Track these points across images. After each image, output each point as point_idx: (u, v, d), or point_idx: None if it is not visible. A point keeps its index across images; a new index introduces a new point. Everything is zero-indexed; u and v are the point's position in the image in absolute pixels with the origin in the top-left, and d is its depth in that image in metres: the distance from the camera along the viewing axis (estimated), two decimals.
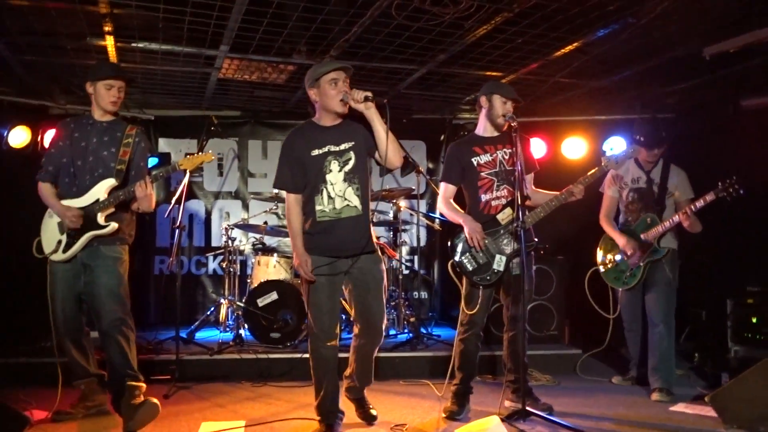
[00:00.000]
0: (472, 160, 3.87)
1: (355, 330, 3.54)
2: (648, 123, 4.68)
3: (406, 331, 5.68)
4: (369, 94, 3.20)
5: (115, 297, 3.59)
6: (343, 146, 3.35)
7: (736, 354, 4.90)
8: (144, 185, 3.55)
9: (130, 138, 3.72)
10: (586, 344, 5.11)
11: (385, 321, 3.54)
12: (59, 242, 3.61)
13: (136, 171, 3.72)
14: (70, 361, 3.73)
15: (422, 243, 6.79)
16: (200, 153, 3.72)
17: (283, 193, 3.50)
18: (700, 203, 4.25)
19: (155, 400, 3.49)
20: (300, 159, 3.36)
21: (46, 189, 3.68)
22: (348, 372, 3.69)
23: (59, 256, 3.60)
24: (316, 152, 3.35)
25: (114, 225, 3.59)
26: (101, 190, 3.60)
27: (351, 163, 3.34)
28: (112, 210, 3.62)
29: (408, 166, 6.83)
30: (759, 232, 5.34)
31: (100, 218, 3.58)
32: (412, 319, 5.66)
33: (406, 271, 6.26)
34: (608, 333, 4.53)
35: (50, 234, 3.66)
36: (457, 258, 3.78)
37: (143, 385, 3.60)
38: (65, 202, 3.62)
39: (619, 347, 5.54)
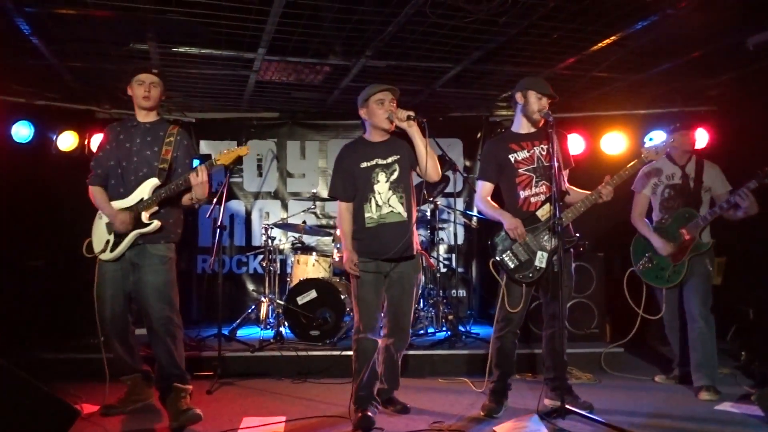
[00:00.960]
0: (510, 156, 3.85)
1: (384, 330, 3.78)
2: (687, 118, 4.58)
3: (444, 329, 5.68)
4: (411, 113, 3.56)
5: (163, 296, 3.70)
6: (389, 159, 3.70)
7: None
8: (198, 172, 3.65)
9: (172, 137, 3.82)
10: (627, 342, 5.02)
11: (411, 323, 3.85)
12: (107, 242, 3.74)
13: (182, 168, 3.82)
14: (116, 358, 3.84)
15: (460, 241, 6.78)
16: (232, 149, 3.80)
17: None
18: (743, 191, 4.18)
19: (199, 411, 3.57)
20: (350, 171, 3.73)
21: (97, 192, 3.80)
22: (379, 374, 3.81)
23: (107, 256, 3.72)
24: (364, 164, 3.70)
25: (157, 223, 3.69)
26: (145, 189, 3.71)
27: (396, 174, 3.68)
28: (155, 208, 3.72)
29: (444, 164, 6.82)
30: None
31: (144, 216, 3.69)
32: (450, 317, 5.66)
33: (444, 270, 6.25)
34: (635, 328, 4.40)
35: (100, 234, 3.79)
36: (497, 256, 3.77)
37: (189, 387, 3.72)
38: (113, 204, 3.74)
39: (658, 345, 5.46)
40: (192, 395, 3.75)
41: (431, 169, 3.61)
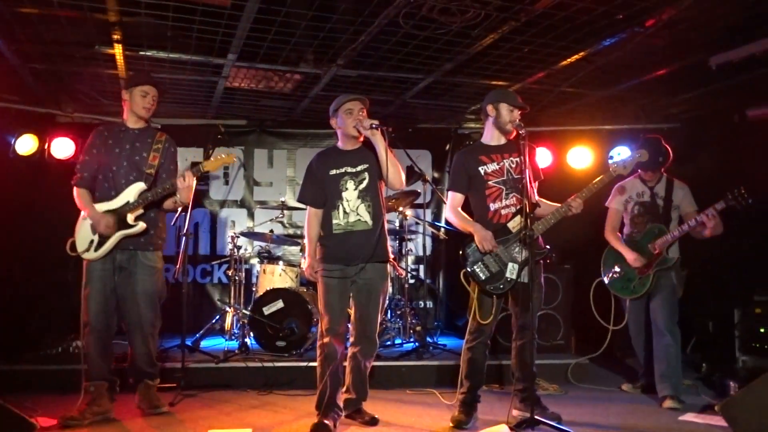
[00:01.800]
0: (479, 169, 3.86)
1: (351, 338, 3.84)
2: (652, 143, 4.68)
3: (412, 340, 5.66)
4: (375, 122, 3.66)
5: (152, 303, 3.94)
6: (359, 168, 3.77)
7: (744, 364, 4.87)
8: (185, 177, 3.83)
9: (160, 143, 4.00)
10: (592, 354, 5.07)
11: (377, 330, 3.83)
12: (91, 242, 3.82)
13: (167, 174, 4.00)
14: (90, 360, 3.81)
15: (427, 252, 6.78)
16: (221, 156, 4.03)
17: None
18: (710, 212, 4.31)
19: (167, 410, 3.99)
20: (320, 177, 3.81)
21: (83, 195, 3.90)
22: (345, 385, 3.85)
23: (91, 255, 3.82)
24: (334, 172, 3.78)
25: (142, 225, 3.85)
26: (132, 193, 3.87)
27: (365, 182, 3.75)
28: (140, 211, 3.87)
29: (413, 175, 6.84)
30: (766, 241, 5.33)
31: (130, 218, 3.84)
32: (418, 328, 5.64)
33: (411, 281, 6.24)
34: (606, 341, 4.48)
35: (84, 234, 3.86)
36: (469, 267, 3.76)
37: (157, 380, 4.07)
38: (101, 205, 3.86)
39: (624, 356, 5.54)
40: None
41: (393, 177, 3.68)
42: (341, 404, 3.73)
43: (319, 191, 3.79)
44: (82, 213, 3.89)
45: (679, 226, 4.51)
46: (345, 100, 3.79)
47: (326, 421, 3.50)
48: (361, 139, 3.82)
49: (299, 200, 3.96)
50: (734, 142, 5.71)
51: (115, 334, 3.99)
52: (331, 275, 3.68)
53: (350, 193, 3.74)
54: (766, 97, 5.49)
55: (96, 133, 4.02)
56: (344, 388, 3.84)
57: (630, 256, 4.55)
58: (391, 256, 3.91)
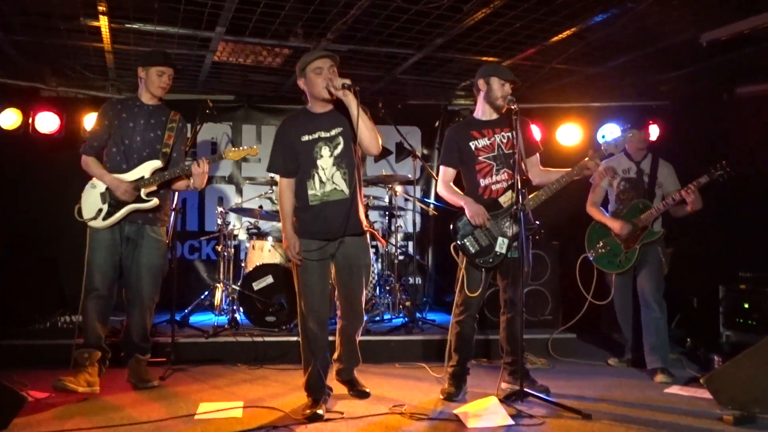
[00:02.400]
0: (470, 144, 3.85)
1: (338, 312, 3.74)
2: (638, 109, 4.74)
3: (401, 315, 5.69)
4: (347, 81, 3.31)
5: (154, 277, 4.00)
6: (333, 132, 3.49)
7: (727, 339, 4.97)
8: (200, 163, 3.90)
9: (174, 123, 4.04)
10: (578, 328, 5.13)
11: (364, 303, 3.74)
12: (99, 210, 3.87)
13: (178, 154, 4.09)
14: (89, 327, 3.86)
15: (417, 228, 6.80)
16: (244, 147, 4.10)
17: (278, 178, 3.63)
18: (694, 185, 4.37)
19: (157, 383, 4.03)
20: (291, 145, 3.51)
21: (93, 162, 3.95)
22: (336, 355, 3.85)
23: (98, 224, 3.86)
24: (306, 138, 3.49)
25: (156, 201, 3.92)
26: (146, 169, 3.92)
27: (340, 147, 3.48)
28: (154, 188, 3.93)
29: (403, 151, 6.84)
30: (751, 218, 5.40)
31: (143, 193, 3.89)
32: (407, 304, 5.68)
33: (401, 257, 6.26)
34: (581, 312, 4.50)
35: (91, 202, 3.89)
36: (459, 241, 3.78)
37: (148, 355, 4.10)
38: (116, 176, 3.91)
39: (610, 331, 5.61)
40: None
41: (367, 140, 3.37)
42: (331, 385, 3.68)
43: (291, 159, 3.50)
44: (91, 181, 3.92)
45: (662, 201, 4.57)
46: (312, 58, 3.42)
47: (318, 411, 3.31)
48: (332, 99, 3.47)
49: (269, 170, 3.69)
50: (723, 120, 5.75)
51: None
52: (309, 256, 3.45)
53: (325, 161, 3.44)
54: (755, 75, 5.53)
55: (109, 104, 4.06)
56: (335, 356, 3.83)
57: (615, 224, 4.60)
58: (372, 226, 3.83)
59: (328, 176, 3.46)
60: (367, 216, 5.79)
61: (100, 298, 3.87)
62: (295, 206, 3.54)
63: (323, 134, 3.48)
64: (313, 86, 3.44)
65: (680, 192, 4.44)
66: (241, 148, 4.08)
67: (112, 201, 3.87)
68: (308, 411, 3.32)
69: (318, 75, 3.40)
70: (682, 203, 4.50)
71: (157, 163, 3.94)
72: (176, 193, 4.68)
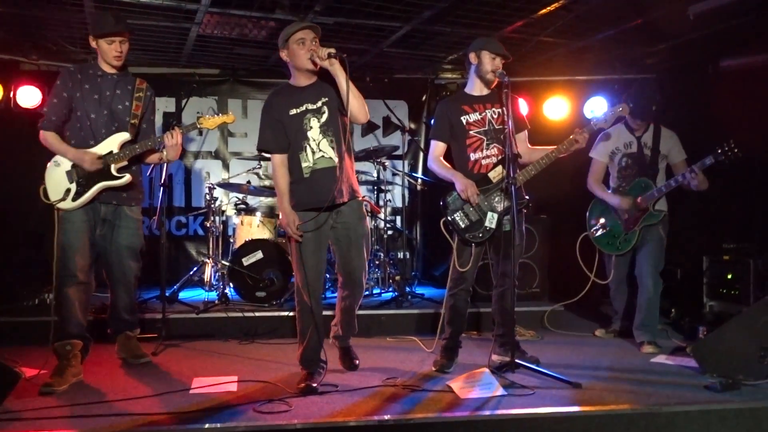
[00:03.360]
0: (461, 118, 3.85)
1: (339, 282, 3.76)
2: (637, 89, 4.65)
3: (390, 289, 5.73)
4: (332, 50, 3.29)
5: (135, 256, 3.88)
6: (319, 103, 3.49)
7: (711, 309, 5.06)
8: (173, 134, 3.69)
9: (141, 92, 3.79)
10: (568, 301, 5.19)
11: (366, 275, 3.76)
12: (68, 191, 3.59)
13: (147, 125, 3.87)
14: (70, 316, 3.59)
15: (405, 203, 6.82)
16: (220, 114, 3.89)
17: (265, 153, 3.66)
18: (698, 167, 4.27)
19: (150, 359, 4.01)
20: (279, 119, 3.51)
21: (53, 137, 3.64)
22: (334, 321, 3.93)
23: (68, 205, 3.59)
24: (294, 111, 3.49)
25: (128, 177, 3.68)
26: (114, 143, 3.66)
27: (325, 116, 3.48)
28: (125, 163, 3.70)
29: (390, 125, 6.82)
30: (734, 190, 5.46)
31: (113, 169, 3.65)
32: (397, 278, 5.71)
33: (389, 232, 6.28)
34: (584, 290, 4.49)
35: (57, 182, 3.61)
36: (449, 216, 3.79)
37: (137, 330, 4.06)
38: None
39: (598, 304, 5.69)
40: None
41: (356, 109, 3.35)
42: (325, 357, 3.65)
43: (281, 135, 3.50)
44: (54, 159, 3.63)
45: (667, 180, 4.48)
46: (294, 30, 3.39)
47: (313, 384, 3.36)
48: (317, 70, 3.47)
49: (260, 148, 3.65)
50: (708, 93, 5.78)
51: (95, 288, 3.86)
52: (303, 228, 3.45)
53: (315, 132, 3.46)
54: (740, 49, 5.56)
55: (67, 74, 3.70)
56: (333, 321, 3.92)
57: (615, 200, 4.56)
58: (365, 197, 3.82)
59: (315, 146, 3.48)
60: None
61: (80, 284, 3.61)
62: (291, 180, 3.53)
63: (310, 106, 3.48)
64: (296, 58, 3.42)
65: (683, 174, 4.34)
66: (217, 115, 3.86)
67: (81, 179, 3.59)
68: (303, 384, 3.36)
69: (301, 46, 3.38)
70: (686, 184, 4.38)
71: (125, 136, 3.67)
72: (164, 168, 4.63)
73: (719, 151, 4.20)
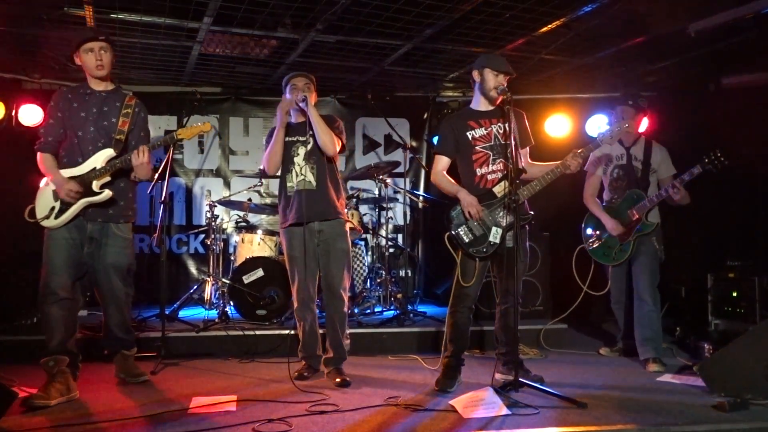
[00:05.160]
0: (467, 133, 3.84)
1: (324, 295, 4.13)
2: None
3: (392, 307, 5.68)
4: (300, 98, 3.95)
5: (124, 276, 3.79)
6: (306, 136, 4.06)
7: (716, 327, 5.01)
8: (139, 153, 3.60)
9: (130, 108, 3.76)
10: (569, 319, 5.15)
11: (345, 290, 4.10)
12: (52, 209, 3.61)
13: (137, 141, 3.78)
14: (50, 332, 3.55)
15: (407, 221, 6.79)
16: (196, 123, 3.86)
17: None
18: (687, 176, 4.33)
19: (148, 378, 3.97)
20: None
21: (47, 159, 3.70)
22: (327, 342, 4.12)
23: (51, 223, 3.60)
24: (288, 139, 4.11)
25: (108, 192, 3.63)
26: (99, 159, 3.65)
27: (310, 146, 4.07)
28: (107, 179, 3.67)
29: (392, 143, 6.82)
30: (737, 207, 5.44)
31: (95, 185, 3.62)
32: (399, 296, 5.66)
33: (391, 249, 6.25)
34: (576, 302, 4.52)
35: (45, 201, 3.64)
36: (453, 230, 3.76)
37: (134, 349, 3.99)
38: (67, 171, 3.65)
39: (600, 322, 5.64)
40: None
41: (323, 143, 3.95)
42: (320, 353, 4.15)
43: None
44: (45, 179, 3.68)
45: (657, 191, 4.53)
46: (290, 77, 4.12)
47: (305, 373, 4.03)
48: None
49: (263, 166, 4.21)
50: (709, 111, 5.78)
51: (81, 306, 3.84)
52: (292, 245, 4.05)
53: (300, 159, 4.06)
54: (741, 66, 5.57)
55: (59, 94, 3.76)
56: (326, 344, 4.12)
57: (609, 224, 4.58)
58: (341, 213, 4.11)
59: (301, 171, 4.07)
60: (357, 208, 5.81)
61: (62, 301, 3.55)
62: (279, 197, 4.18)
63: (300, 138, 4.09)
64: (285, 101, 4.09)
65: (665, 187, 4.41)
66: (193, 125, 3.83)
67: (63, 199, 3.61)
68: (296, 373, 3.98)
69: (292, 91, 4.06)
70: (669, 197, 4.45)
71: (110, 152, 3.64)
72: (164, 185, 4.62)
73: (706, 160, 4.24)
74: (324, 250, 4.05)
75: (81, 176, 3.63)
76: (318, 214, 4.00)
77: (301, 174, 4.05)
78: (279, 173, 4.16)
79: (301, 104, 3.95)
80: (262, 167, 4.24)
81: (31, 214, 3.65)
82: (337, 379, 3.88)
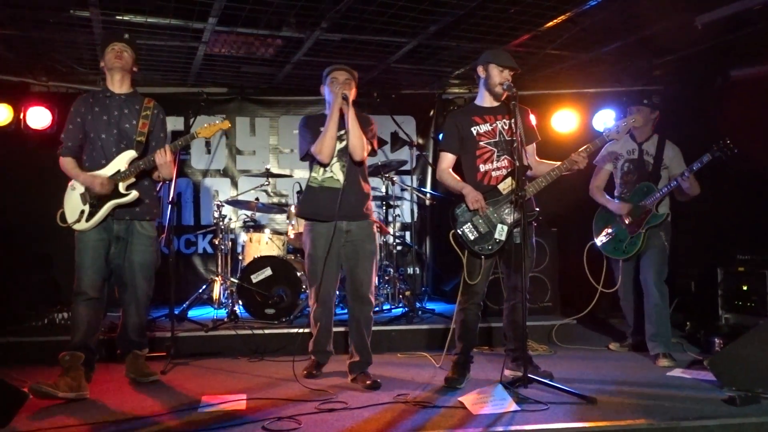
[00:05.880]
0: (472, 129, 3.84)
1: (349, 298, 3.98)
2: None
3: (400, 305, 5.68)
4: (345, 92, 3.77)
5: (147, 275, 3.91)
6: (341, 132, 3.87)
7: (727, 321, 4.99)
8: (163, 153, 3.74)
9: (149, 110, 3.88)
10: (579, 314, 5.13)
11: (372, 293, 3.98)
12: (82, 212, 3.73)
13: (157, 142, 3.92)
14: (74, 329, 3.71)
15: (414, 218, 6.80)
16: (216, 122, 3.98)
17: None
18: (697, 165, 4.37)
19: (158, 377, 3.99)
20: (313, 134, 3.94)
21: (68, 163, 3.81)
22: (350, 348, 3.98)
23: (82, 226, 3.73)
24: (321, 129, 3.88)
25: (135, 193, 3.77)
26: (122, 161, 3.77)
27: (344, 143, 3.86)
28: (132, 180, 3.80)
29: (398, 141, 6.81)
30: (747, 201, 5.41)
31: (121, 187, 3.76)
32: (407, 293, 5.66)
33: (399, 247, 6.24)
34: (593, 302, 4.47)
35: (73, 205, 3.77)
36: (458, 228, 3.76)
37: (146, 350, 4.06)
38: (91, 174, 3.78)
39: (608, 317, 5.62)
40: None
41: (352, 147, 3.80)
42: (345, 379, 3.93)
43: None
44: (70, 183, 3.80)
45: (667, 183, 4.56)
46: (332, 69, 3.92)
47: (313, 371, 4.00)
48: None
49: (301, 158, 4.06)
50: (717, 105, 5.74)
51: (106, 307, 3.91)
52: (316, 241, 3.87)
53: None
54: (749, 58, 5.53)
55: (80, 100, 3.89)
56: (349, 353, 3.98)
57: (614, 206, 4.62)
58: (374, 216, 3.99)
59: (331, 167, 3.88)
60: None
61: (89, 300, 3.70)
62: (307, 186, 4.05)
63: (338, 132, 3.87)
64: (326, 93, 3.95)
65: (676, 178, 4.44)
66: (213, 123, 3.94)
67: (93, 201, 3.73)
68: (305, 372, 3.97)
69: (332, 84, 3.89)
70: (680, 189, 4.50)
71: (132, 154, 3.78)
72: (172, 185, 4.63)
73: (715, 147, 4.31)
74: (351, 251, 3.89)
75: (107, 177, 3.75)
76: (347, 214, 3.82)
77: (331, 171, 3.90)
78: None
79: (342, 104, 3.79)
80: (312, 152, 3.88)
81: (62, 219, 3.78)
82: (368, 382, 3.77)
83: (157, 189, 4.11)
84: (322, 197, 3.87)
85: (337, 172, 3.88)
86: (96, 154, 3.79)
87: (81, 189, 3.76)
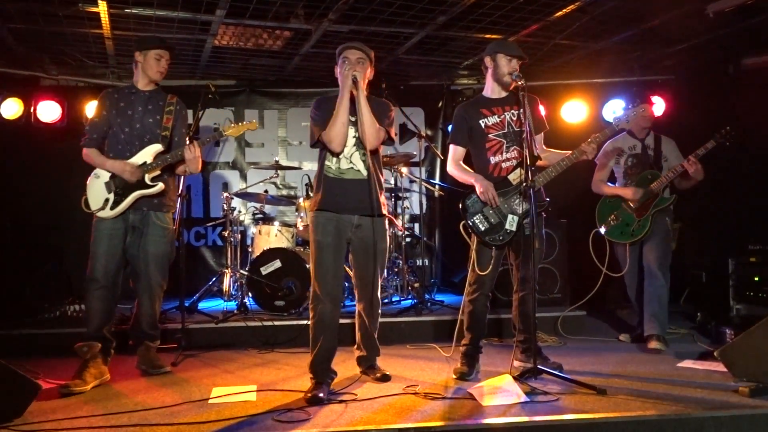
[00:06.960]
0: (480, 122, 3.82)
1: (356, 294, 3.78)
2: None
3: (410, 297, 5.68)
4: (356, 74, 3.48)
5: (161, 265, 3.96)
6: (355, 117, 3.56)
7: (738, 312, 4.97)
8: (193, 147, 3.88)
9: (172, 106, 4.01)
10: (587, 306, 5.11)
11: (380, 289, 3.75)
12: (106, 200, 3.82)
13: (179, 137, 4.05)
14: (89, 318, 3.78)
15: (423, 210, 6.79)
16: (244, 122, 4.15)
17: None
18: (701, 151, 4.49)
19: (169, 369, 4.03)
20: (326, 119, 3.57)
21: (93, 152, 3.92)
22: (357, 341, 3.88)
23: (106, 213, 3.82)
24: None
25: (161, 185, 3.89)
26: (148, 153, 3.89)
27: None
28: (158, 172, 3.91)
29: (407, 132, 6.78)
30: (758, 191, 5.37)
31: (147, 178, 3.87)
32: (416, 285, 5.66)
33: (408, 239, 6.24)
34: (596, 287, 4.43)
35: (96, 193, 3.85)
36: (469, 219, 3.75)
37: (157, 342, 4.09)
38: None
39: (618, 309, 5.60)
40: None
41: (362, 134, 3.50)
42: (354, 371, 3.79)
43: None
44: (94, 172, 3.88)
45: (674, 167, 4.65)
46: (344, 47, 3.60)
47: (320, 394, 3.27)
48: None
49: (312, 144, 3.66)
50: (728, 93, 5.70)
51: (120, 296, 3.93)
52: (325, 234, 3.52)
53: (349, 140, 3.55)
54: (761, 46, 5.47)
55: (105, 94, 4.00)
56: (356, 346, 3.90)
57: (628, 191, 4.67)
58: (386, 211, 3.76)
59: (346, 154, 3.57)
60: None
61: (102, 289, 3.77)
62: (316, 179, 3.70)
63: (351, 118, 3.56)
64: (340, 75, 3.60)
65: (683, 163, 4.53)
66: (241, 123, 4.08)
67: (118, 189, 3.82)
68: (309, 394, 3.30)
69: (344, 63, 3.58)
70: (685, 175, 4.58)
71: (158, 147, 3.90)
72: (182, 179, 4.67)
73: (718, 135, 4.49)
74: (362, 247, 3.62)
75: (135, 165, 3.86)
76: (362, 207, 3.56)
77: (348, 159, 3.57)
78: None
79: (351, 87, 3.47)
80: (323, 139, 3.52)
81: (86, 205, 3.85)
82: (378, 375, 3.74)
83: (178, 183, 4.20)
84: (345, 189, 3.55)
85: (357, 162, 3.57)
86: (121, 147, 3.89)
87: (105, 178, 3.84)
